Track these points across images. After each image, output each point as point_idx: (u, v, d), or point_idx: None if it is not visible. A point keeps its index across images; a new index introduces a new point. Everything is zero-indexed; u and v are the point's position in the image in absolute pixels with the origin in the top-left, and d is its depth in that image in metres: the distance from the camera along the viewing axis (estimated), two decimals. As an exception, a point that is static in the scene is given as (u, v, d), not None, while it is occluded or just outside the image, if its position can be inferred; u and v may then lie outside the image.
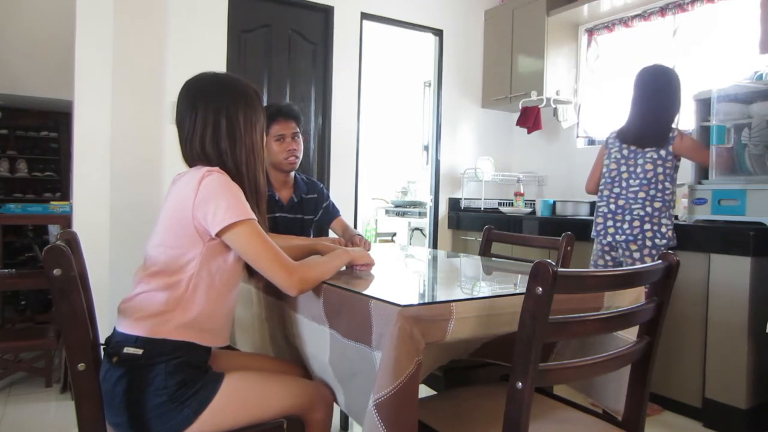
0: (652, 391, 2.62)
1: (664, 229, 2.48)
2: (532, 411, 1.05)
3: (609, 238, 2.61)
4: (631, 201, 2.56)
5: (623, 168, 2.60)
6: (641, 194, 2.53)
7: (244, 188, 1.34)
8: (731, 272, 2.42)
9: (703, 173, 2.74)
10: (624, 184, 2.59)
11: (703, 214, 2.63)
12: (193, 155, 1.36)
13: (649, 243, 2.49)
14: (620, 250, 2.59)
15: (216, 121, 1.34)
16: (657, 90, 2.56)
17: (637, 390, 1.30)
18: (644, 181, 2.53)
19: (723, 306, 2.45)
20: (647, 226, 2.50)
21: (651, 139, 2.53)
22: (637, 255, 2.52)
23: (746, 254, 2.36)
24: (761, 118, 2.56)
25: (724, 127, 2.55)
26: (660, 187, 2.50)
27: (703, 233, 2.53)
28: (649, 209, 2.51)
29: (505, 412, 1.05)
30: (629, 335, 1.39)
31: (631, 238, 2.52)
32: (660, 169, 2.51)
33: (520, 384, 1.02)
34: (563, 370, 1.12)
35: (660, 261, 1.22)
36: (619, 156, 2.63)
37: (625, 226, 2.55)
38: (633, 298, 1.50)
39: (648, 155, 2.53)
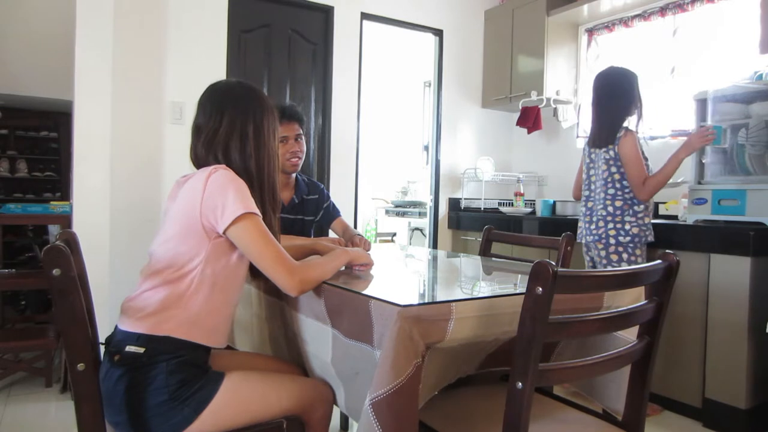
0: (652, 391, 2.62)
1: (627, 227, 2.49)
2: (532, 411, 1.05)
3: (583, 240, 2.67)
4: (597, 202, 2.61)
5: (592, 171, 2.67)
6: (602, 194, 2.57)
7: (263, 194, 1.38)
8: (731, 272, 2.42)
9: (702, 173, 2.75)
10: (593, 186, 2.66)
11: (703, 214, 2.63)
12: (209, 158, 1.37)
13: (612, 241, 2.51)
14: (593, 250, 2.63)
15: (244, 126, 1.37)
16: (610, 92, 2.59)
17: (637, 390, 1.30)
18: (603, 182, 2.57)
19: (723, 306, 2.45)
20: (610, 225, 2.53)
21: (603, 139, 2.57)
22: (603, 253, 2.55)
23: (746, 254, 2.36)
24: (759, 119, 2.56)
25: (720, 128, 2.54)
26: (618, 186, 2.52)
27: (703, 233, 2.53)
28: (610, 209, 2.53)
29: (505, 412, 1.05)
30: (629, 335, 1.39)
31: (597, 238, 2.57)
32: (614, 168, 2.52)
33: (520, 384, 1.02)
34: (563, 370, 1.12)
35: (660, 261, 1.22)
36: (588, 160, 2.69)
37: (593, 227, 2.61)
38: (633, 298, 1.50)
39: (602, 156, 2.57)
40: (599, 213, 2.58)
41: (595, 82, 2.66)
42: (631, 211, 2.51)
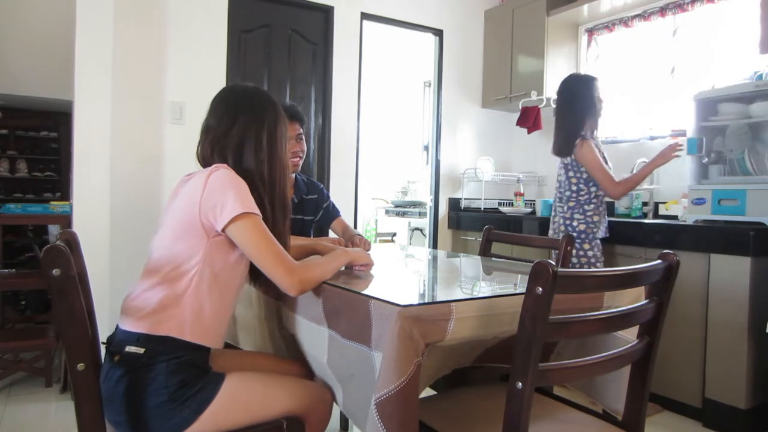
0: (652, 391, 2.62)
1: (575, 223, 2.69)
2: (532, 411, 1.05)
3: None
4: (557, 203, 2.84)
5: (558, 175, 2.86)
6: (560, 196, 2.82)
7: (273, 199, 1.39)
8: (731, 272, 2.42)
9: (703, 173, 2.75)
10: (557, 186, 2.87)
11: (703, 214, 2.63)
12: (214, 157, 1.38)
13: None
14: None
15: (259, 132, 1.39)
16: (563, 101, 2.75)
17: (637, 390, 1.30)
18: (561, 186, 2.80)
19: (723, 306, 2.45)
20: (561, 221, 2.76)
21: (562, 149, 2.73)
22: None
23: (746, 254, 2.36)
24: (738, 123, 2.59)
25: (695, 139, 2.66)
26: (574, 188, 2.71)
27: (703, 233, 2.53)
28: (566, 207, 2.75)
29: (505, 412, 1.05)
30: (629, 335, 1.39)
31: (554, 234, 2.81)
32: (571, 173, 2.72)
33: (520, 384, 1.02)
34: (563, 370, 1.11)
35: (660, 261, 1.22)
36: (558, 165, 2.86)
37: (553, 224, 2.84)
38: (633, 298, 1.50)
39: (561, 162, 2.78)
40: (558, 211, 2.81)
41: (557, 91, 2.82)
42: (581, 210, 2.69)
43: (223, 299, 1.33)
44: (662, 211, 3.22)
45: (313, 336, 1.37)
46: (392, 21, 3.96)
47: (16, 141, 5.40)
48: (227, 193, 1.25)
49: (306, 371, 1.53)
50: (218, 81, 3.30)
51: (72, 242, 1.43)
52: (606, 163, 2.66)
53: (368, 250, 2.02)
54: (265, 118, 1.40)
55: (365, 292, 1.26)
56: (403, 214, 5.88)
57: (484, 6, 4.33)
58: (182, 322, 1.26)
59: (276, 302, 1.58)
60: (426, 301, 1.20)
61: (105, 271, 2.76)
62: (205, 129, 1.42)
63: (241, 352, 1.73)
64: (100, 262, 2.72)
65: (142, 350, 1.22)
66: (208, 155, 1.39)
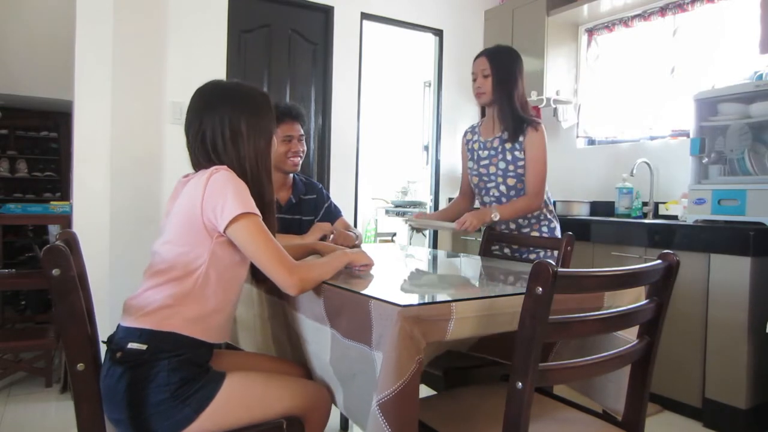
0: (652, 391, 2.62)
1: None
2: (532, 411, 1.05)
3: None
4: None
5: None
6: None
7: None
8: (731, 272, 2.42)
9: (703, 173, 2.74)
10: None
11: (703, 214, 2.63)
12: (201, 161, 1.38)
13: None
14: None
15: (223, 128, 1.36)
16: None
17: (637, 390, 1.30)
18: None
19: (723, 306, 2.45)
20: None
21: None
22: None
23: (746, 254, 2.36)
24: (738, 123, 2.59)
25: (697, 140, 2.65)
26: None
27: (703, 233, 2.53)
28: None
29: (505, 412, 1.05)
30: (629, 335, 1.39)
31: None
32: None
33: (520, 384, 1.02)
34: (563, 370, 1.11)
35: (660, 261, 1.22)
36: None
37: None
38: (633, 297, 1.50)
39: None
40: None
41: None
42: None
43: (227, 297, 1.35)
44: (662, 211, 3.21)
45: (317, 335, 1.38)
46: (392, 21, 3.96)
47: (16, 141, 5.41)
48: (227, 195, 1.26)
49: (306, 373, 1.54)
50: (218, 81, 3.30)
51: (72, 242, 1.43)
52: (474, 159, 2.38)
53: (359, 242, 2.04)
54: (226, 114, 1.36)
55: (365, 292, 1.26)
56: (403, 214, 5.88)
57: (484, 6, 4.33)
58: (187, 319, 1.27)
59: (280, 301, 1.58)
60: (426, 301, 1.20)
61: (105, 271, 2.76)
62: (185, 134, 1.42)
63: (242, 353, 1.74)
64: (100, 262, 2.72)
65: (144, 347, 1.23)
66: (195, 161, 1.40)
